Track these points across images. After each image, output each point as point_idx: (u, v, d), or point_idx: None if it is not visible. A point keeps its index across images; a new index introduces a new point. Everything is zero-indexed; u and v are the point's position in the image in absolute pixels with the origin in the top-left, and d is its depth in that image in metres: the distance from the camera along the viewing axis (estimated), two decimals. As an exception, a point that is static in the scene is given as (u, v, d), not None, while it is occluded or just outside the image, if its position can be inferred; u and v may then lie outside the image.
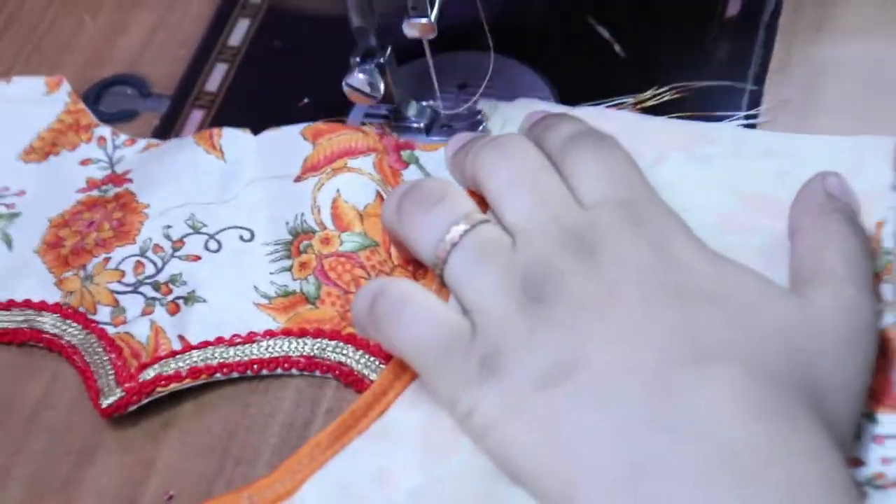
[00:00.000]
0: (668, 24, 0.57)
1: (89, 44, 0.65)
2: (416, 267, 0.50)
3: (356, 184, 0.52)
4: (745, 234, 0.46)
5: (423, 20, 0.49)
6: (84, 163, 0.58)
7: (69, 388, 0.51)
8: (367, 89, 0.52)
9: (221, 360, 0.49)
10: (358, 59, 0.52)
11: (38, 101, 0.61)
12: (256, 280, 0.51)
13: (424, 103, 0.55)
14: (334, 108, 0.56)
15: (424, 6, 0.48)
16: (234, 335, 0.49)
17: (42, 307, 0.52)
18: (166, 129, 0.60)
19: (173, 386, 0.48)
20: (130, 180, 0.56)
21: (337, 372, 0.48)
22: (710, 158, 0.49)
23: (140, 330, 0.50)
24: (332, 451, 0.44)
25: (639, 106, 0.54)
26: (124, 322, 0.51)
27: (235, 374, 0.49)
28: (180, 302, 0.51)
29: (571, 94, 0.55)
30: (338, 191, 0.52)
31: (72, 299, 0.52)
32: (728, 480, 0.35)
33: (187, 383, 0.48)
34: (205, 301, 0.51)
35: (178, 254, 0.52)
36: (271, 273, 0.51)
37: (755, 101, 0.53)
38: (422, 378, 0.43)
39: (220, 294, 0.51)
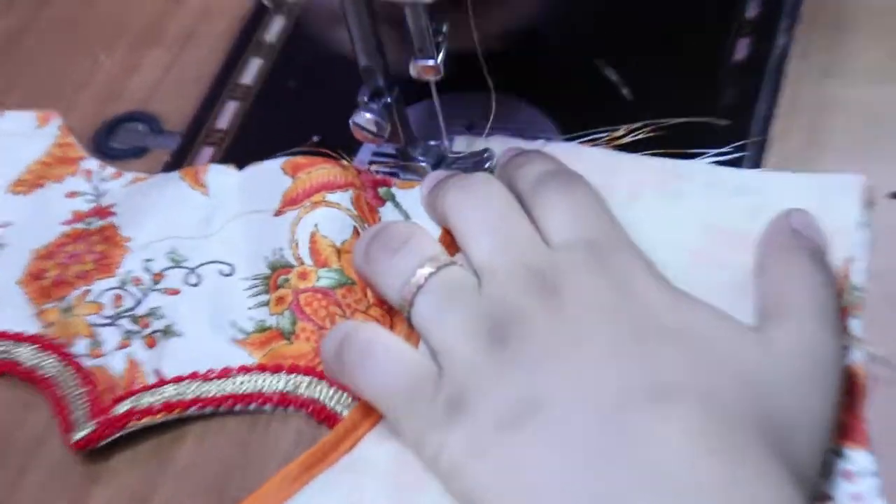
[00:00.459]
0: (676, 68, 0.58)
1: (104, 81, 0.66)
2: (391, 307, 0.50)
3: (334, 219, 0.52)
4: (715, 269, 0.47)
5: (430, 62, 0.49)
6: (70, 195, 0.59)
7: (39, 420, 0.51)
8: (373, 128, 0.52)
9: (195, 395, 0.49)
10: (365, 99, 0.52)
11: (28, 135, 0.62)
12: (234, 315, 0.52)
13: (432, 143, 0.56)
14: (343, 147, 0.57)
15: (431, 49, 0.49)
16: (209, 370, 0.50)
17: (19, 338, 0.53)
18: (177, 165, 0.60)
19: (146, 420, 0.48)
20: (114, 213, 0.57)
21: (310, 409, 0.48)
22: (682, 194, 0.50)
23: (116, 363, 0.51)
24: (301, 482, 0.44)
25: (613, 143, 0.54)
26: (101, 355, 0.51)
27: (209, 409, 0.49)
28: (157, 336, 0.51)
29: (579, 136, 0.55)
30: (316, 225, 0.52)
31: (51, 331, 0.52)
32: None
33: (161, 417, 0.49)
34: (182, 335, 0.51)
35: (157, 287, 0.53)
36: (249, 308, 0.52)
37: (730, 137, 0.53)
38: (389, 422, 0.44)
39: (197, 328, 0.51)
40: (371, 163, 0.58)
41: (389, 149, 0.57)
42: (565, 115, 0.57)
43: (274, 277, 0.52)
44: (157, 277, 0.54)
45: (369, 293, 0.51)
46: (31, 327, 0.53)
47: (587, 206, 0.46)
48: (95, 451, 0.49)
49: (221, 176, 0.57)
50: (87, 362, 0.51)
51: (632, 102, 0.57)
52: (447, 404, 0.41)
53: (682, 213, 0.49)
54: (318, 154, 0.56)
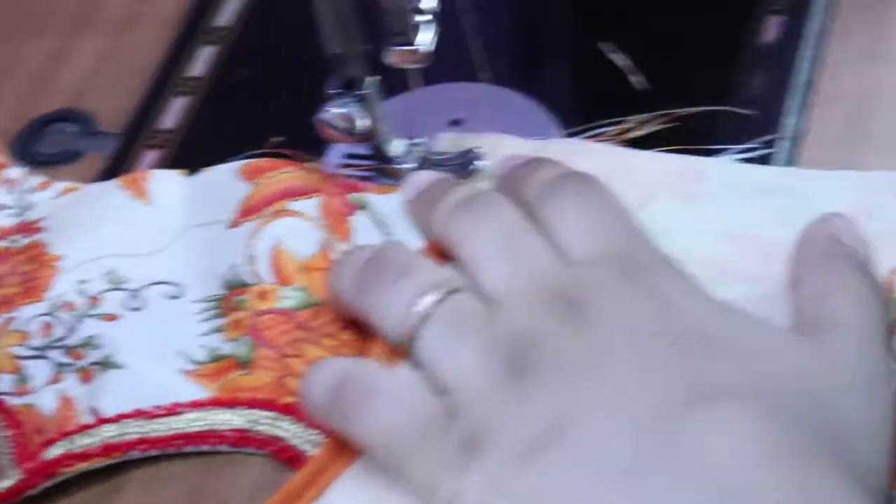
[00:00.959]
0: (693, 52, 0.57)
1: (27, 74, 0.63)
2: (364, 331, 0.48)
3: (298, 230, 0.51)
4: (741, 282, 0.46)
5: (409, 47, 0.48)
6: (-10, 209, 0.56)
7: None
8: (344, 125, 0.50)
9: (139, 436, 0.47)
10: (336, 91, 0.50)
11: (-64, 140, 0.59)
12: (184, 343, 0.50)
13: (411, 142, 0.54)
14: (311, 147, 0.55)
15: (407, 31, 0.47)
16: (155, 406, 0.48)
17: (-70, 376, 0.50)
18: (114, 172, 0.57)
19: (82, 466, 0.46)
20: (42, 229, 0.54)
21: (273, 448, 0.46)
22: (701, 197, 0.49)
23: (46, 401, 0.48)
24: None
25: (622, 138, 0.53)
26: (28, 392, 0.49)
27: (155, 452, 0.47)
28: (94, 369, 0.49)
29: (583, 131, 0.54)
30: (277, 238, 0.50)
31: (-33, 366, 0.49)
32: None
33: (99, 462, 0.46)
34: (122, 367, 0.49)
35: (93, 312, 0.51)
36: (201, 334, 0.50)
37: (757, 130, 0.53)
38: (394, 470, 0.42)
39: (140, 359, 0.49)
40: (342, 166, 0.55)
41: (364, 149, 0.54)
42: (566, 106, 0.56)
43: (229, 298, 0.50)
44: (93, 301, 0.51)
45: (337, 313, 0.49)
46: (-55, 362, 0.50)
47: (605, 213, 0.45)
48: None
49: (168, 184, 0.55)
50: (12, 401, 0.49)
51: (643, 92, 0.56)
52: (462, 446, 0.41)
53: (702, 218, 0.49)
54: (280, 156, 0.54)
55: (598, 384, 0.40)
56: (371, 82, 0.51)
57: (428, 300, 0.44)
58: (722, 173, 0.50)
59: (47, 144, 0.60)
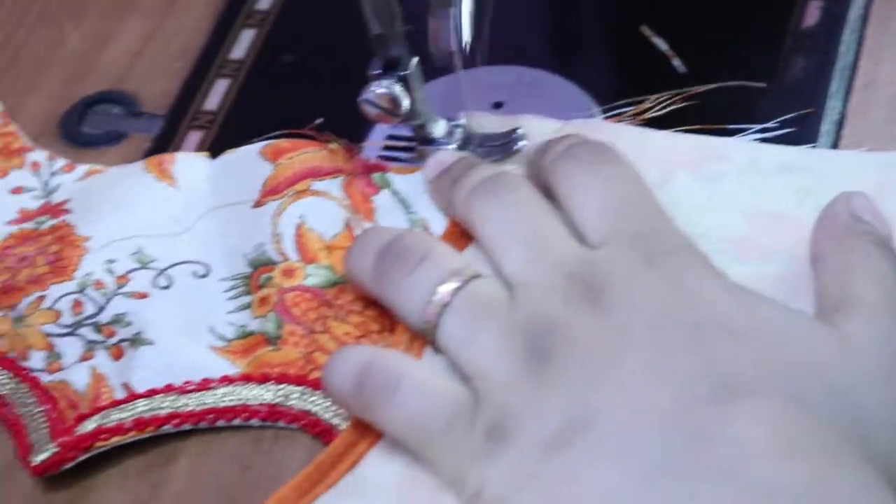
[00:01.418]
0: (734, 36, 0.56)
1: (72, 56, 0.63)
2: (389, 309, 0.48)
3: (322, 210, 0.51)
4: (761, 260, 0.46)
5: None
6: (15, 191, 0.56)
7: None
8: (387, 106, 0.50)
9: (171, 410, 0.47)
10: (378, 72, 0.50)
11: (-38, 124, 0.59)
12: (212, 320, 0.50)
13: (454, 123, 0.53)
14: (351, 128, 0.55)
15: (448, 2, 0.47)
16: (186, 382, 0.48)
17: (-36, 354, 0.50)
18: (158, 152, 0.57)
19: (115, 440, 0.46)
20: (69, 210, 0.54)
21: (303, 422, 0.46)
22: (721, 176, 0.49)
23: (78, 377, 0.49)
24: None
25: (640, 116, 0.53)
26: (60, 369, 0.49)
27: (187, 426, 0.47)
28: (125, 345, 0.49)
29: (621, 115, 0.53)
30: (301, 217, 0.50)
31: (0, 343, 0.50)
32: None
33: (131, 437, 0.47)
34: (153, 344, 0.49)
35: (122, 291, 0.51)
36: (229, 312, 0.50)
37: (777, 107, 0.52)
38: (423, 459, 0.42)
39: (170, 336, 0.49)
40: (385, 147, 0.55)
41: (406, 131, 0.54)
42: (608, 90, 0.55)
43: (255, 276, 0.50)
44: (122, 280, 0.51)
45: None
46: (-23, 340, 0.51)
47: (626, 191, 0.45)
48: (78, 473, 0.47)
49: (192, 165, 0.55)
50: (45, 377, 0.49)
51: (684, 75, 0.55)
52: (486, 434, 0.40)
53: (722, 197, 0.48)
54: (303, 137, 0.54)
55: (621, 374, 0.39)
56: (413, 63, 0.50)
57: (447, 288, 0.44)
58: (741, 152, 0.49)
59: (92, 125, 0.60)
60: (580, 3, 0.57)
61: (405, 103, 0.50)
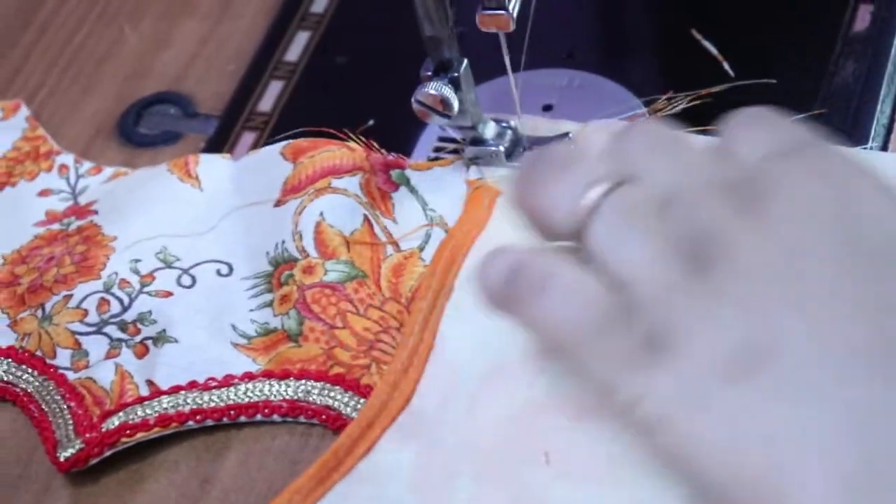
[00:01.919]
0: (784, 40, 0.55)
1: (129, 57, 0.64)
2: (409, 301, 0.49)
3: (341, 206, 0.51)
4: None
5: (501, 13, 0.47)
6: (43, 193, 0.57)
7: (26, 440, 0.50)
8: (439, 107, 0.50)
9: (194, 406, 0.48)
10: (429, 73, 0.50)
11: (-8, 128, 0.60)
12: (235, 318, 0.50)
13: (504, 124, 0.53)
14: (403, 130, 0.55)
15: None
16: (209, 378, 0.49)
17: (-8, 352, 0.51)
18: (213, 152, 0.58)
19: (140, 436, 0.47)
20: (95, 212, 0.55)
21: (323, 416, 0.47)
22: None
23: (104, 374, 0.49)
24: (314, 497, 0.43)
25: (653, 117, 0.52)
26: (86, 366, 0.50)
27: (210, 422, 0.48)
28: (149, 343, 0.50)
29: (678, 122, 0.51)
30: (321, 214, 0.51)
31: (28, 342, 0.51)
32: None
33: (156, 432, 0.47)
34: (176, 341, 0.50)
35: (147, 290, 0.52)
36: (251, 310, 0.51)
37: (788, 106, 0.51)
38: (569, 363, 0.39)
39: (193, 334, 0.50)
40: (436, 149, 0.55)
41: (457, 132, 0.54)
42: (658, 93, 0.54)
43: (277, 274, 0.51)
44: (147, 279, 0.52)
45: (384, 286, 0.50)
46: (5, 339, 0.52)
47: (786, 125, 0.40)
48: (128, 467, 0.48)
49: (215, 166, 0.56)
50: (72, 375, 0.50)
51: (734, 79, 0.54)
52: (647, 341, 0.37)
53: None
54: (323, 136, 0.54)
55: (801, 298, 0.35)
56: (464, 65, 0.50)
57: (596, 191, 0.39)
58: None
59: (148, 126, 0.61)
60: (631, 7, 0.57)
61: (456, 104, 0.50)
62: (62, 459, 0.47)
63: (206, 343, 0.50)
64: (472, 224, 0.50)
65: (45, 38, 0.66)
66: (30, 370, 0.51)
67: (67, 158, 0.59)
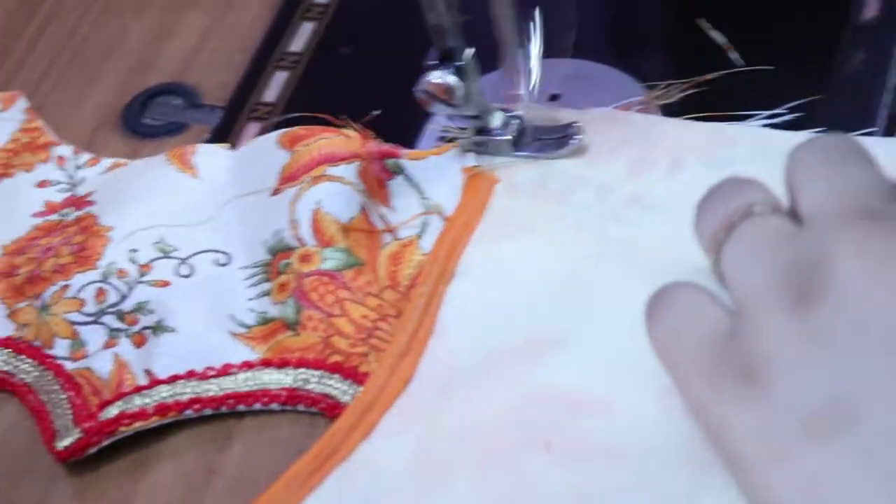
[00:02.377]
0: (792, 28, 0.55)
1: (134, 48, 0.64)
2: (407, 289, 0.49)
3: (338, 194, 0.51)
4: None
5: None
6: (41, 185, 0.57)
7: (24, 430, 0.50)
8: (442, 96, 0.50)
9: (193, 396, 0.48)
10: (434, 63, 0.50)
11: (-11, 119, 0.60)
12: (233, 307, 0.50)
13: (510, 114, 0.53)
14: (409, 120, 0.55)
15: None
16: (208, 368, 0.48)
17: (-9, 343, 0.51)
18: (219, 143, 0.58)
19: (138, 425, 0.47)
20: (93, 202, 0.55)
21: (322, 405, 0.47)
22: (730, 163, 0.48)
23: (102, 364, 0.49)
24: (311, 483, 0.43)
25: (651, 104, 0.53)
26: (84, 356, 0.50)
27: (208, 411, 0.48)
28: (147, 333, 0.50)
29: (678, 109, 0.53)
30: (318, 202, 0.51)
31: (26, 332, 0.51)
32: None
33: (154, 422, 0.47)
34: (174, 331, 0.50)
35: (144, 279, 0.52)
36: (249, 299, 0.51)
37: (788, 92, 0.51)
38: (673, 379, 0.40)
39: (191, 323, 0.50)
40: (440, 138, 0.55)
41: (462, 121, 0.53)
42: (663, 82, 0.54)
43: (275, 263, 0.51)
44: (144, 269, 0.52)
45: (381, 274, 0.50)
46: (4, 329, 0.52)
47: None
48: (132, 456, 0.48)
49: (213, 156, 0.56)
50: (70, 365, 0.50)
51: (741, 69, 0.54)
52: (738, 369, 0.37)
53: None
54: (321, 123, 0.54)
55: (892, 358, 0.34)
56: (468, 54, 0.50)
57: (736, 216, 0.40)
58: (751, 139, 0.49)
59: (153, 116, 0.61)
60: None
61: (460, 93, 0.50)
62: (60, 449, 0.47)
63: (204, 332, 0.50)
64: (471, 212, 0.50)
65: (49, 29, 0.66)
66: (28, 360, 0.51)
67: (66, 150, 0.59)
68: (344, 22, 0.63)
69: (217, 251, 0.53)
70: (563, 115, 0.53)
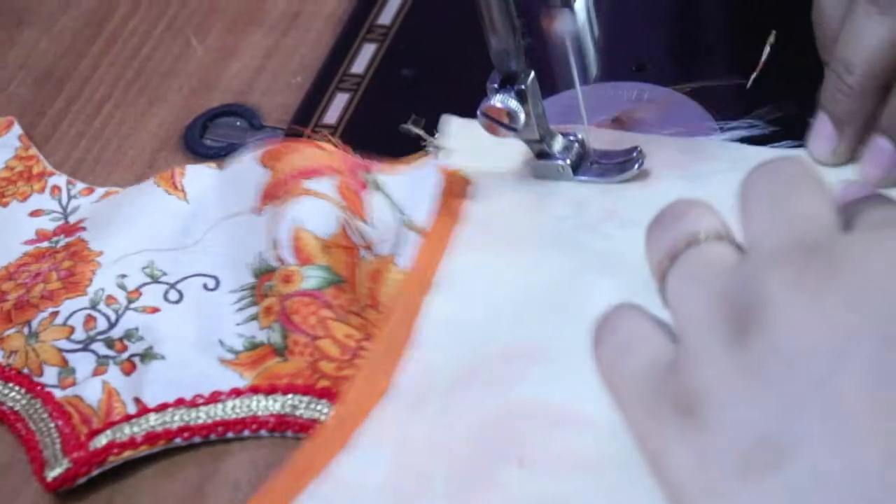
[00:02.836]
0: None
1: (196, 70, 0.64)
2: (387, 308, 0.49)
3: (317, 210, 0.51)
4: None
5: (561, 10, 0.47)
6: (34, 214, 0.57)
7: (12, 459, 0.49)
8: (505, 119, 0.49)
9: (182, 424, 0.48)
10: (496, 86, 0.50)
11: (-16, 146, 0.60)
12: (222, 333, 0.50)
13: (571, 137, 0.53)
14: None
15: None
16: (197, 395, 0.48)
17: (-22, 371, 0.51)
18: None
19: (127, 454, 0.47)
20: (84, 228, 0.55)
21: (310, 431, 0.47)
22: (705, 176, 0.49)
23: (91, 392, 0.49)
24: (286, 500, 0.42)
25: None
26: (73, 384, 0.50)
27: (198, 439, 0.47)
28: (136, 360, 0.50)
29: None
30: (295, 220, 0.50)
31: (14, 360, 0.51)
32: None
33: (143, 451, 0.47)
34: (163, 358, 0.50)
35: (133, 306, 0.52)
36: (237, 324, 0.50)
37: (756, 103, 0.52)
38: (617, 402, 0.40)
39: (180, 350, 0.50)
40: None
41: (524, 145, 0.53)
42: (728, 106, 0.54)
43: (259, 285, 0.51)
44: (133, 295, 0.52)
45: (361, 292, 0.49)
46: (-7, 357, 0.52)
47: None
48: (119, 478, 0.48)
49: (200, 178, 0.56)
50: (59, 393, 0.50)
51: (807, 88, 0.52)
52: (675, 402, 0.37)
53: (708, 196, 0.45)
54: (301, 137, 0.54)
55: (826, 399, 0.34)
56: (530, 77, 0.50)
57: (681, 244, 0.40)
58: (727, 152, 0.49)
59: (214, 137, 0.61)
60: (704, 18, 0.56)
61: (522, 117, 0.49)
62: (49, 479, 0.47)
63: (193, 359, 0.50)
64: (447, 225, 0.50)
65: (113, 49, 0.66)
66: (17, 388, 0.50)
67: (60, 180, 0.59)
68: (406, 43, 0.63)
69: (205, 275, 0.53)
70: (633, 139, 0.52)
